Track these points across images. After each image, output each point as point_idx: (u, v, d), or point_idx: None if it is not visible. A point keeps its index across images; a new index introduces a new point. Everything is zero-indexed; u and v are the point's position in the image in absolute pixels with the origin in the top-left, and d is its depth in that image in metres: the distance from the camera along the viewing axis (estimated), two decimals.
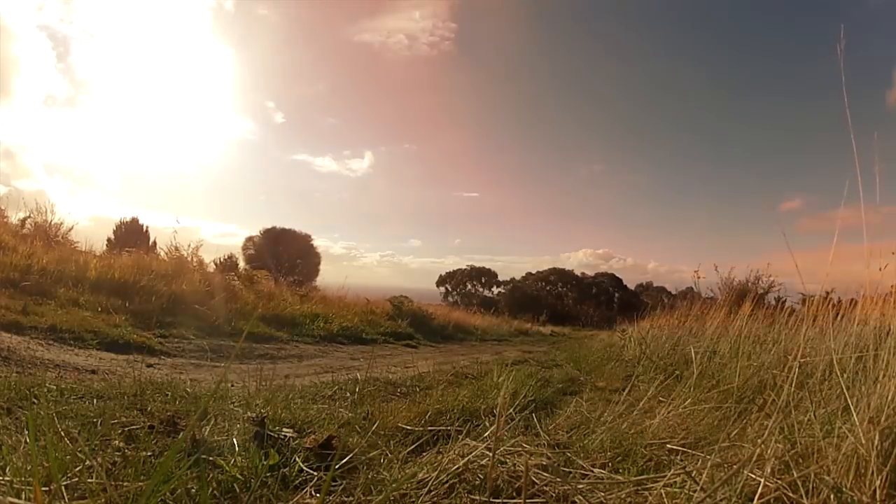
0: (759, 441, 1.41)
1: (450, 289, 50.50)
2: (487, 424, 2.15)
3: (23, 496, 0.96)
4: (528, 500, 1.26)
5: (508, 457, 1.56)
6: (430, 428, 2.12)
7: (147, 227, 23.76)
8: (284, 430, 1.64)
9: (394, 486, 1.33)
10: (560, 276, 51.13)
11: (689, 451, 1.77)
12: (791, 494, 1.11)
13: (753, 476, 1.14)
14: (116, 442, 1.48)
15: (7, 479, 1.04)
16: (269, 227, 36.02)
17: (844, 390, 1.64)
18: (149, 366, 3.82)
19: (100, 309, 5.45)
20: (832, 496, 1.12)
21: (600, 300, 48.68)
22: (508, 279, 50.90)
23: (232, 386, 2.87)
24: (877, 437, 1.18)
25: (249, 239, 35.91)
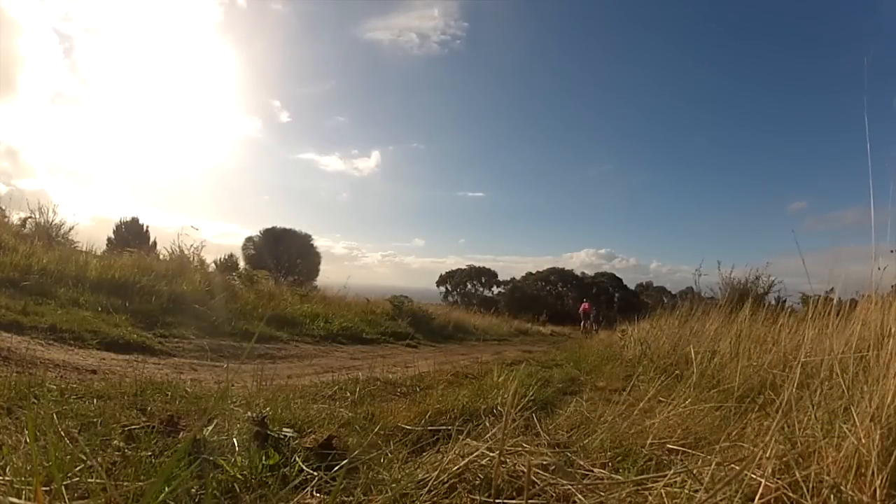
0: (759, 441, 1.41)
1: (450, 288, 50.47)
2: (488, 424, 2.15)
3: (23, 496, 0.96)
4: (528, 500, 1.26)
5: (509, 457, 1.56)
6: (430, 428, 2.11)
7: (147, 226, 23.84)
8: (285, 429, 1.64)
9: (394, 486, 1.33)
10: (560, 276, 51.09)
11: (690, 450, 1.77)
12: (791, 494, 1.11)
13: (754, 476, 1.14)
14: (116, 442, 1.48)
15: (7, 479, 1.04)
16: (270, 227, 36.17)
17: (845, 390, 1.64)
18: (149, 365, 3.81)
19: (100, 309, 5.44)
20: (832, 496, 1.12)
21: (600, 300, 48.65)
22: (508, 279, 50.90)
23: (232, 386, 2.86)
24: (877, 437, 1.18)
25: (249, 239, 36.05)
